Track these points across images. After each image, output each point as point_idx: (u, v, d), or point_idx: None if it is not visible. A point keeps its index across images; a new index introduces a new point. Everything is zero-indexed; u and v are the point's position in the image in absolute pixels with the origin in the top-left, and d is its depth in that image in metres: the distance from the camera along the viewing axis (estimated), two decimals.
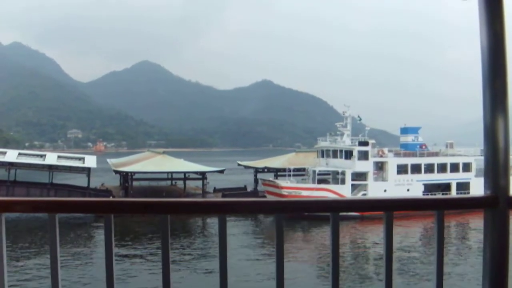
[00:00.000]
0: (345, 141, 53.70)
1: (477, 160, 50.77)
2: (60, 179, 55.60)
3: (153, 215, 2.02)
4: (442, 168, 51.55)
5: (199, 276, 27.82)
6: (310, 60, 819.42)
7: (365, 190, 49.33)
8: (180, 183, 58.25)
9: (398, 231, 36.00)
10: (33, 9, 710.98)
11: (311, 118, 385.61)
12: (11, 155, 51.51)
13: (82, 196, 47.46)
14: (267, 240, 37.09)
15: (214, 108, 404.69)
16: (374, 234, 38.74)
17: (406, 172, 50.53)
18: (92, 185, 52.46)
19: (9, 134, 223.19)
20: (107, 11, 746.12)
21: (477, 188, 45.98)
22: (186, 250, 34.41)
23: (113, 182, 61.66)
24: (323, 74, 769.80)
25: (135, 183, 54.43)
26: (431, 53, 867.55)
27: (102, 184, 59.16)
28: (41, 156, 54.49)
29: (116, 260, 2.03)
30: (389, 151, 54.22)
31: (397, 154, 53.08)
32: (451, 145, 56.53)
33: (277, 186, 47.97)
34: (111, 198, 2.25)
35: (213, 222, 41.22)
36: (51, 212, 1.96)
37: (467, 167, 51.94)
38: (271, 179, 52.23)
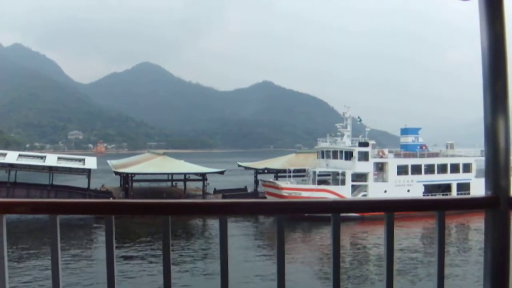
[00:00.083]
0: (345, 142, 53.73)
1: (477, 160, 50.85)
2: (61, 180, 55.64)
3: (154, 216, 2.02)
4: (442, 168, 51.59)
5: (199, 278, 27.79)
6: (311, 60, 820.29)
7: (365, 191, 49.31)
8: (180, 184, 58.28)
9: (398, 231, 35.92)
10: (34, 11, 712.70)
11: (311, 119, 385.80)
12: (12, 157, 51.54)
13: (83, 197, 47.49)
14: (268, 242, 37.06)
15: (214, 109, 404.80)
16: (374, 235, 38.71)
17: (406, 173, 50.57)
18: (92, 187, 52.45)
19: (10, 135, 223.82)
20: (108, 13, 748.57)
21: (478, 188, 45.99)
22: (185, 251, 34.40)
23: (113, 183, 61.70)
24: (323, 75, 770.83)
25: (135, 184, 54.47)
26: (431, 54, 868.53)
27: (103, 186, 59.17)
28: (41, 157, 54.46)
29: (116, 260, 2.03)
30: (389, 152, 54.28)
31: (397, 155, 53.07)
32: (451, 146, 56.54)
33: (277, 187, 47.98)
34: (111, 199, 2.26)
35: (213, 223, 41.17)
36: (52, 213, 1.96)
37: (467, 167, 51.99)
38: (271, 180, 52.22)
